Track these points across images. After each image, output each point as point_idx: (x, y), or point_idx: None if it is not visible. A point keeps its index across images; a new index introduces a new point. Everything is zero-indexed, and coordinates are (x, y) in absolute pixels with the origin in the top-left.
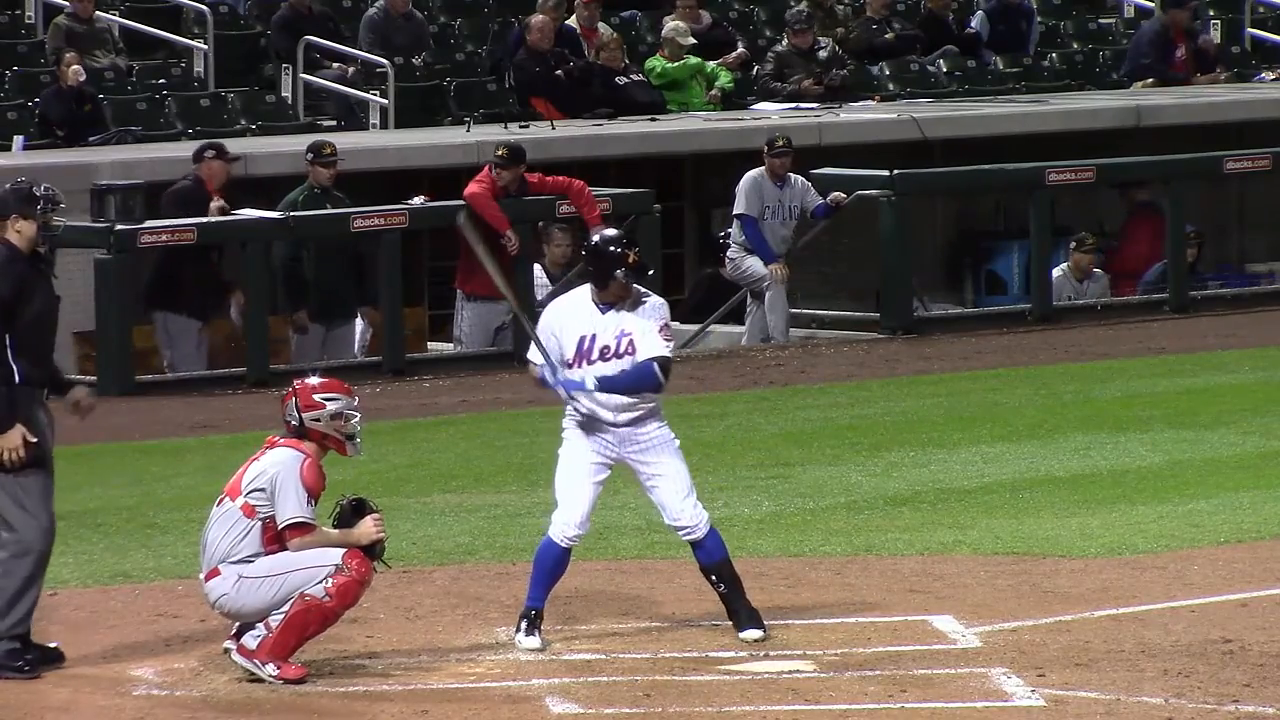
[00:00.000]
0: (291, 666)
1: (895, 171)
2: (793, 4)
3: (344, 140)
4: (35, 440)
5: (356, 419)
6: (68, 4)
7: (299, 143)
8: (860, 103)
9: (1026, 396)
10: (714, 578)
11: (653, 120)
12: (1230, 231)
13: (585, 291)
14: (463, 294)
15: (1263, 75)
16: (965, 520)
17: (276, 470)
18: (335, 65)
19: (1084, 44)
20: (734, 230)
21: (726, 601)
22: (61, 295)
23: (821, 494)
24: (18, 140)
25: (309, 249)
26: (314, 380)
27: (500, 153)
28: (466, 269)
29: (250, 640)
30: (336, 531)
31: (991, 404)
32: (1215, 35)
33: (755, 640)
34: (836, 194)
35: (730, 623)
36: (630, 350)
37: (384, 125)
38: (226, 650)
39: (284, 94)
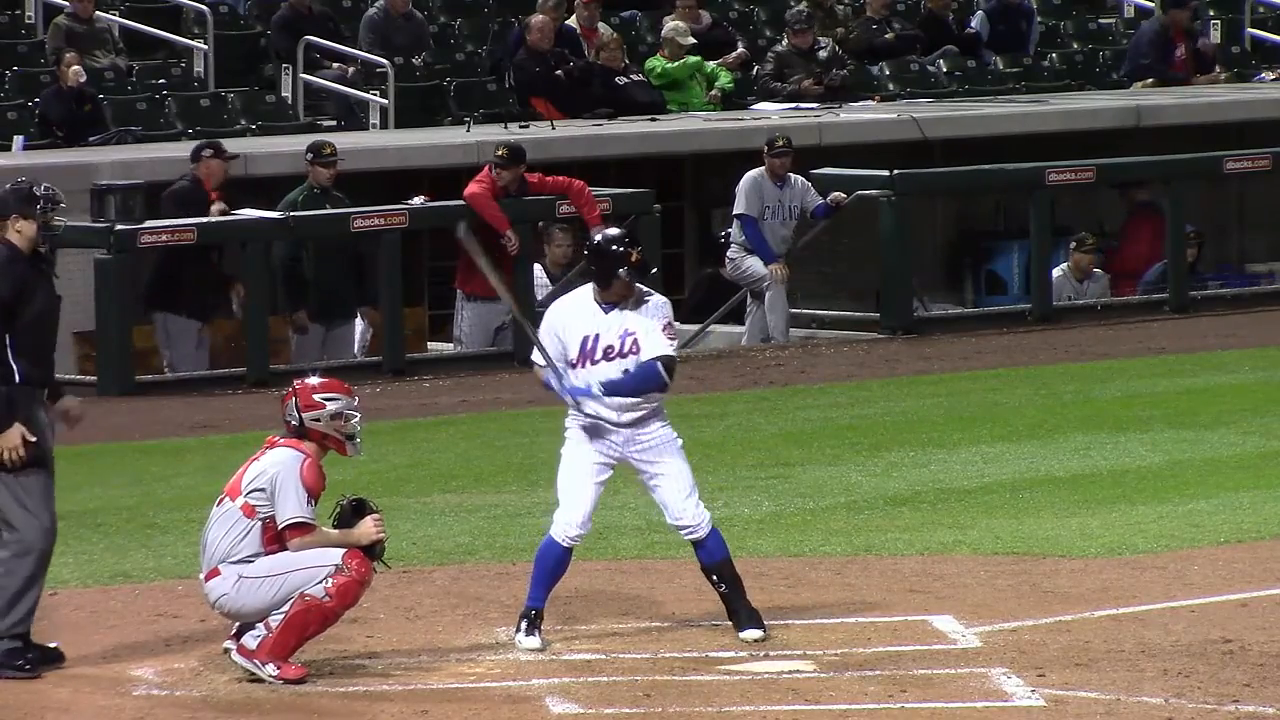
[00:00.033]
0: (291, 666)
1: (895, 171)
2: (793, 4)
3: (344, 140)
4: (34, 440)
5: (356, 419)
6: (68, 4)
7: (299, 143)
8: (860, 103)
9: (1026, 396)
10: (715, 578)
11: (653, 120)
12: (1230, 231)
13: (587, 291)
14: (463, 294)
15: (1263, 75)
16: (965, 520)
17: (276, 470)
18: (335, 65)
19: (1084, 44)
20: (734, 230)
21: (727, 601)
22: (62, 295)
23: (821, 494)
24: (18, 140)
25: (309, 249)
26: (314, 380)
27: (500, 153)
28: (466, 269)
29: (250, 640)
30: (336, 531)
31: (991, 404)
32: (1215, 35)
33: (755, 640)
34: (836, 194)
35: (730, 623)
36: (634, 349)
37: (384, 125)
38: (226, 650)
39: (284, 94)
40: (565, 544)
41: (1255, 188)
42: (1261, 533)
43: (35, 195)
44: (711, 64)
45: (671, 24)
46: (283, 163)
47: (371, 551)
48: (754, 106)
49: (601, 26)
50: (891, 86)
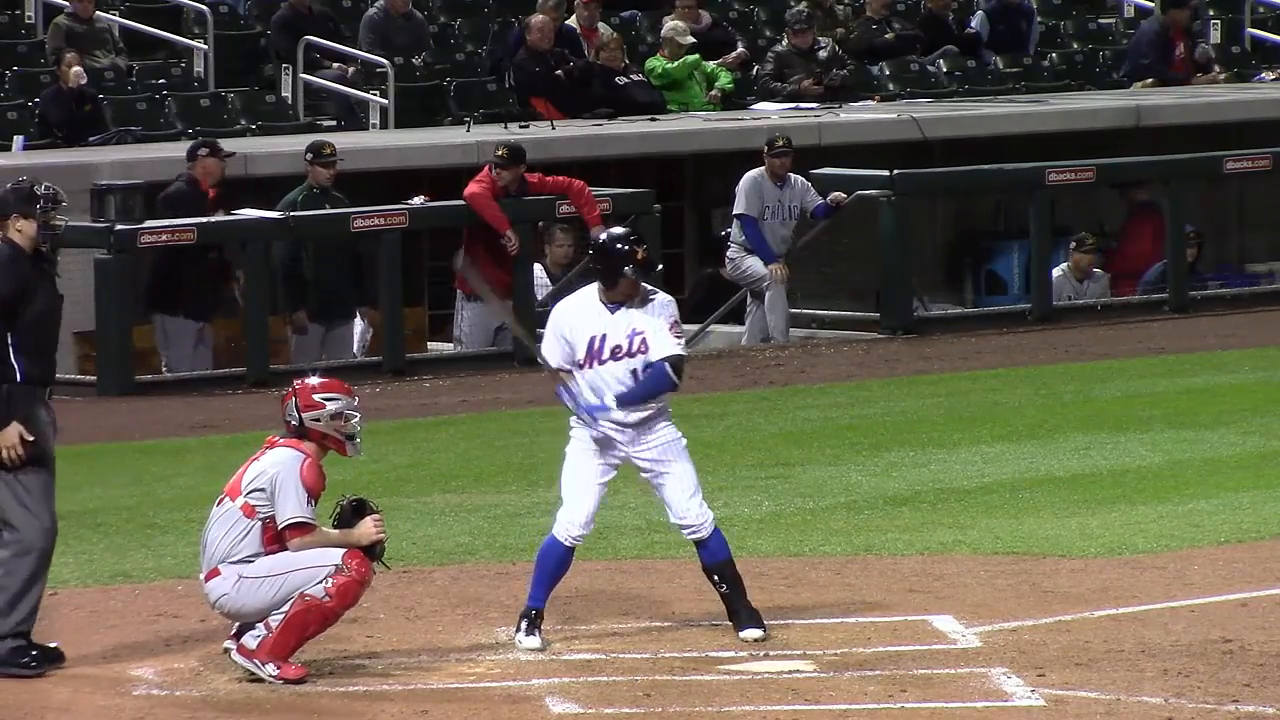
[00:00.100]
0: (291, 666)
1: (895, 171)
2: (793, 4)
3: (344, 140)
4: (32, 439)
5: (356, 419)
6: (68, 4)
7: (299, 143)
8: (860, 103)
9: (1026, 396)
10: (716, 578)
11: (653, 120)
12: (1230, 231)
13: (592, 291)
14: (463, 294)
15: (1263, 75)
16: (965, 520)
17: (276, 470)
18: (335, 65)
19: (1084, 44)
20: (734, 230)
21: (728, 601)
22: (63, 295)
23: (821, 494)
24: (18, 140)
25: (308, 249)
26: (314, 380)
27: (500, 153)
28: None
29: (250, 640)
30: (336, 531)
31: (991, 404)
32: (1215, 35)
33: (755, 640)
34: (836, 194)
35: (730, 623)
36: (643, 349)
37: (384, 125)
38: (226, 650)
39: (284, 94)
40: (568, 544)
41: (1255, 188)
42: (1261, 533)
43: (36, 194)
44: (711, 64)
45: (671, 24)
46: (283, 163)
47: (371, 551)
48: (754, 106)
49: (601, 26)
50: (891, 86)
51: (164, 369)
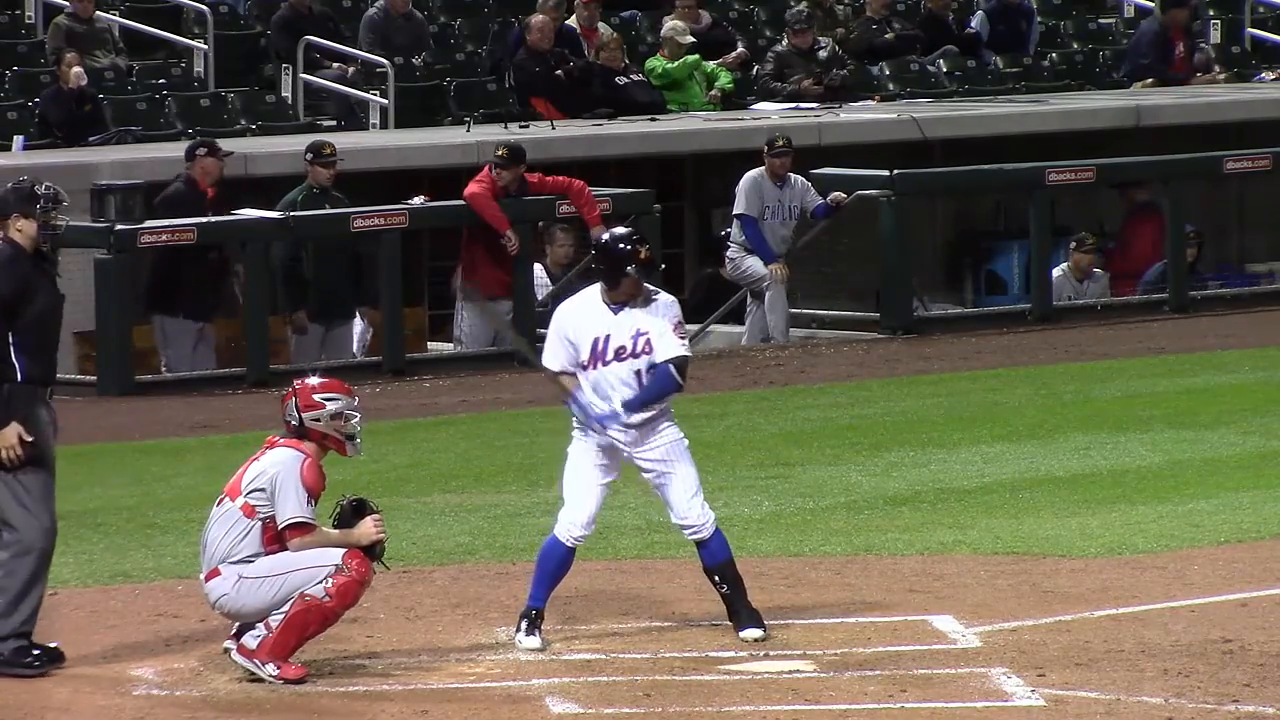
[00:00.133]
0: (291, 666)
1: (895, 171)
2: (793, 4)
3: (344, 140)
4: (31, 440)
5: (356, 419)
6: (68, 4)
7: (299, 143)
8: (860, 103)
9: (1026, 396)
10: (717, 578)
11: (653, 120)
12: (1230, 231)
13: (594, 292)
14: (463, 294)
15: (1263, 75)
16: (965, 520)
17: (276, 470)
18: (335, 65)
19: (1084, 44)
20: (734, 230)
21: (728, 602)
22: (64, 294)
23: (821, 494)
24: (18, 140)
25: (308, 249)
26: (314, 380)
27: (500, 153)
28: (467, 269)
29: (250, 640)
30: (336, 531)
31: (991, 404)
32: (1215, 35)
33: (755, 640)
34: (836, 194)
35: (730, 623)
36: (647, 349)
37: (384, 125)
38: (226, 650)
39: (284, 94)
40: (569, 544)
41: (1255, 188)
42: (1261, 533)
43: (36, 194)
44: (711, 64)
45: (671, 23)
46: (283, 163)
47: (371, 551)
48: (754, 106)
49: (601, 26)
50: (891, 86)
51: (163, 369)
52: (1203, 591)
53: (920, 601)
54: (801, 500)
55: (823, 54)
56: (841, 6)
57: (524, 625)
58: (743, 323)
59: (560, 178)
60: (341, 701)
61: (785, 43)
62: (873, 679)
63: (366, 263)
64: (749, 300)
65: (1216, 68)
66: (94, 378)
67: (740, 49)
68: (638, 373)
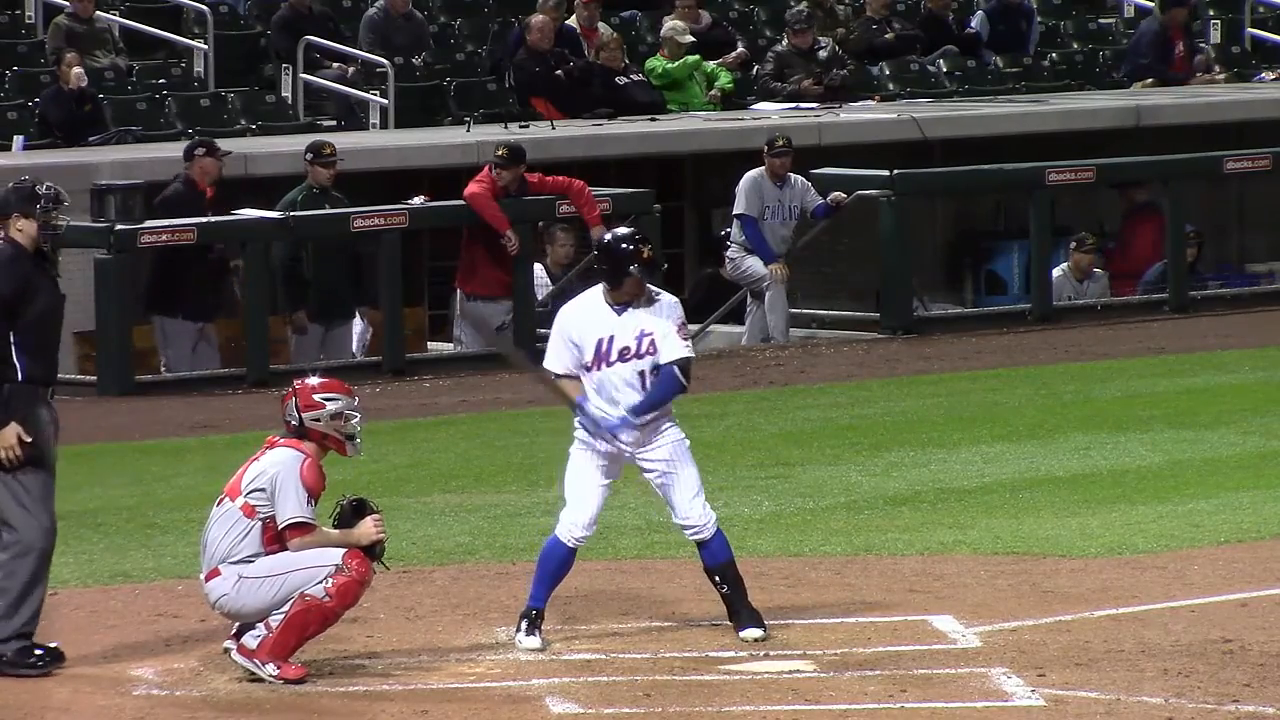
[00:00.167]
0: (291, 666)
1: (895, 171)
2: (793, 4)
3: (344, 140)
4: (30, 441)
5: (356, 419)
6: (68, 4)
7: (299, 143)
8: (860, 103)
9: (1026, 396)
10: (718, 579)
11: (653, 120)
12: (1230, 231)
13: (597, 293)
14: (463, 294)
15: (1263, 75)
16: (965, 520)
17: (276, 470)
18: (335, 65)
19: (1084, 44)
20: (734, 230)
21: (728, 602)
22: (65, 294)
23: (821, 494)
24: (18, 140)
25: (308, 249)
26: (314, 380)
27: (500, 153)
28: (467, 269)
29: (250, 640)
30: (336, 531)
31: (991, 404)
32: (1215, 35)
33: (755, 640)
34: (836, 194)
35: (730, 623)
36: (651, 350)
37: (384, 125)
38: (226, 650)
39: (284, 94)
40: (570, 544)
41: (1255, 188)
42: (1261, 533)
43: (37, 194)
44: (711, 64)
45: (670, 23)
46: (283, 163)
47: (371, 551)
48: (754, 106)
49: (601, 26)
50: (891, 86)
51: (163, 369)
52: (1203, 591)
53: (920, 601)
54: (801, 500)
55: (823, 54)
56: (842, 6)
57: (524, 625)
58: (743, 323)
59: (560, 178)
60: (341, 701)
61: (785, 43)
62: (873, 679)
63: (366, 263)
64: (749, 300)
65: (1216, 67)
66: (94, 378)
67: (740, 49)
68: (641, 373)
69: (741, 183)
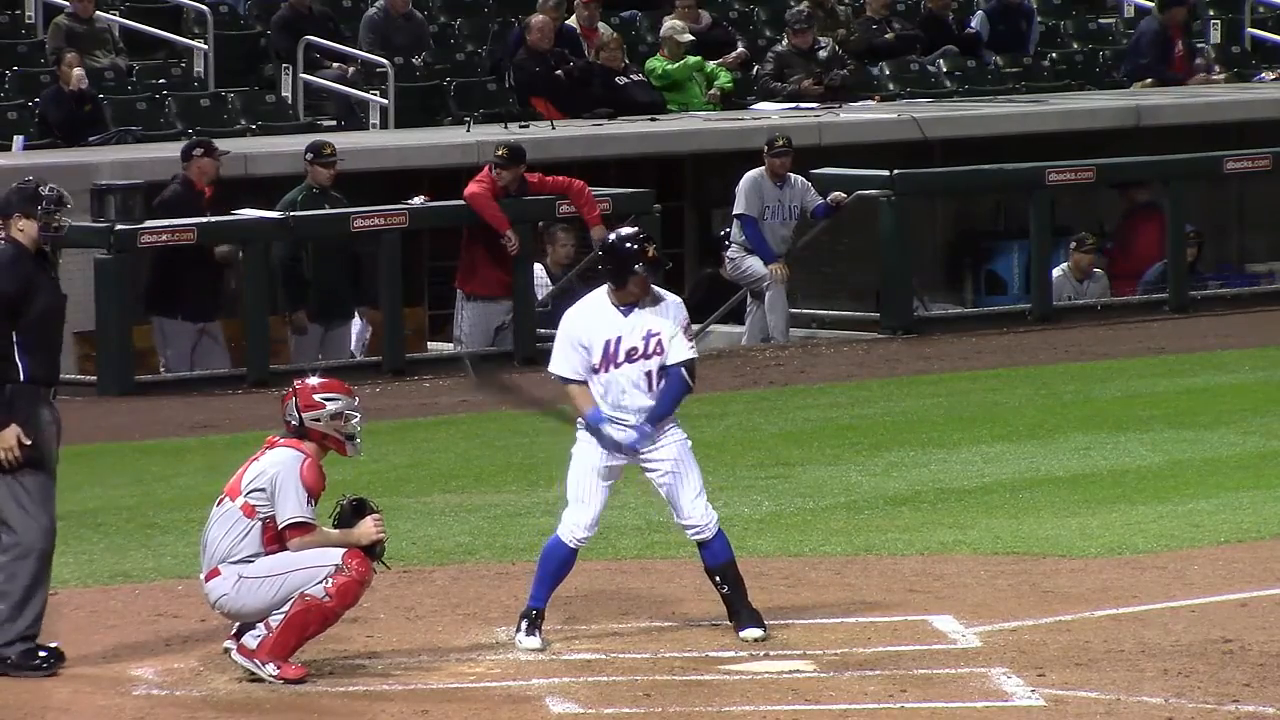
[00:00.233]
0: (291, 666)
1: (895, 171)
2: (793, 4)
3: (344, 140)
4: (29, 443)
5: (357, 419)
6: (68, 4)
7: (299, 143)
8: (860, 103)
9: (1026, 396)
10: (718, 579)
11: (653, 120)
12: (1230, 231)
13: (601, 295)
14: (463, 294)
15: (1263, 75)
16: (965, 520)
17: (276, 470)
18: (335, 65)
19: (1084, 44)
20: (734, 230)
21: (728, 602)
22: (67, 294)
23: (821, 494)
24: (18, 140)
25: (308, 249)
26: (314, 380)
27: (500, 153)
28: (467, 269)
29: (250, 640)
30: (336, 531)
31: (991, 404)
32: (1215, 35)
33: (755, 640)
34: (836, 194)
35: (730, 623)
36: (659, 351)
37: (384, 125)
38: (226, 650)
39: (284, 94)
40: (572, 545)
41: (1255, 188)
42: (1261, 533)
43: (39, 195)
44: (711, 64)
45: (670, 22)
46: (283, 163)
47: (371, 551)
48: (754, 106)
49: (601, 26)
50: (891, 86)
51: (162, 370)
52: (1203, 591)
53: (920, 601)
54: (801, 500)
55: (823, 54)
56: (842, 6)
57: (524, 625)
58: (743, 323)
59: (560, 178)
60: (341, 701)
61: (785, 43)
62: (873, 679)
63: (366, 263)
64: (749, 300)
65: (1216, 67)
66: (94, 378)
67: (740, 49)
68: (648, 374)
69: (741, 183)
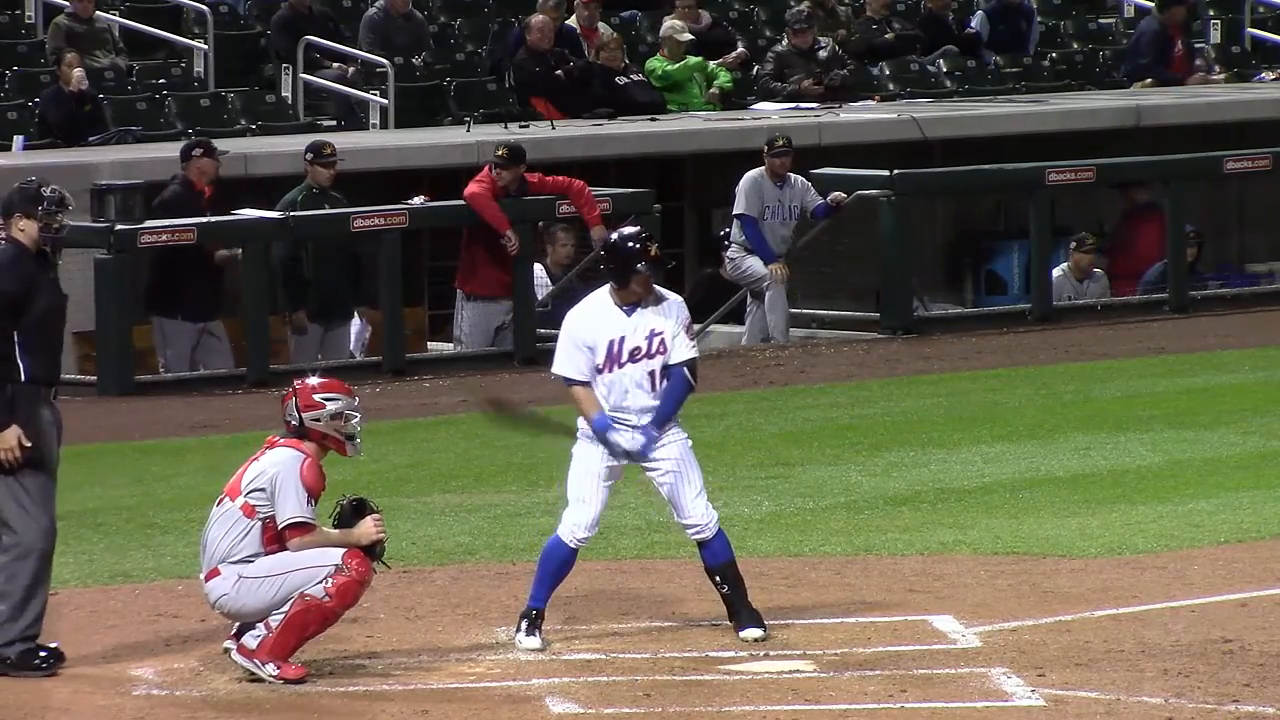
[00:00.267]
0: (291, 666)
1: (895, 171)
2: (793, 4)
3: (344, 140)
4: (30, 444)
5: (357, 419)
6: (68, 4)
7: (299, 143)
8: (860, 103)
9: (1026, 396)
10: (718, 579)
11: (653, 120)
12: (1230, 231)
13: (604, 295)
14: (463, 294)
15: (1263, 75)
16: (965, 520)
17: (276, 470)
18: (335, 65)
19: (1084, 44)
20: (734, 230)
21: (728, 602)
22: (68, 294)
23: (821, 494)
24: (18, 140)
25: (308, 249)
26: (314, 380)
27: (500, 153)
28: (467, 269)
29: (250, 640)
30: (336, 531)
31: (991, 404)
32: (1215, 35)
33: (755, 640)
34: (836, 194)
35: (730, 623)
36: (662, 350)
37: (384, 125)
38: (226, 650)
39: (284, 94)
40: (573, 545)
41: (1255, 188)
42: (1261, 533)
43: (41, 195)
44: (711, 64)
45: (670, 22)
46: (283, 163)
47: (371, 551)
48: (754, 106)
49: (601, 26)
50: (891, 86)
51: (161, 369)
52: (1203, 591)
53: (920, 601)
54: (801, 500)
55: (823, 54)
56: (842, 7)
57: (524, 625)
58: (743, 323)
59: (560, 178)
60: (341, 701)
61: (785, 43)
62: (873, 679)
63: (366, 263)
64: (749, 300)
65: (1216, 67)
66: (94, 378)
67: (740, 49)
68: (652, 373)
69: (741, 183)
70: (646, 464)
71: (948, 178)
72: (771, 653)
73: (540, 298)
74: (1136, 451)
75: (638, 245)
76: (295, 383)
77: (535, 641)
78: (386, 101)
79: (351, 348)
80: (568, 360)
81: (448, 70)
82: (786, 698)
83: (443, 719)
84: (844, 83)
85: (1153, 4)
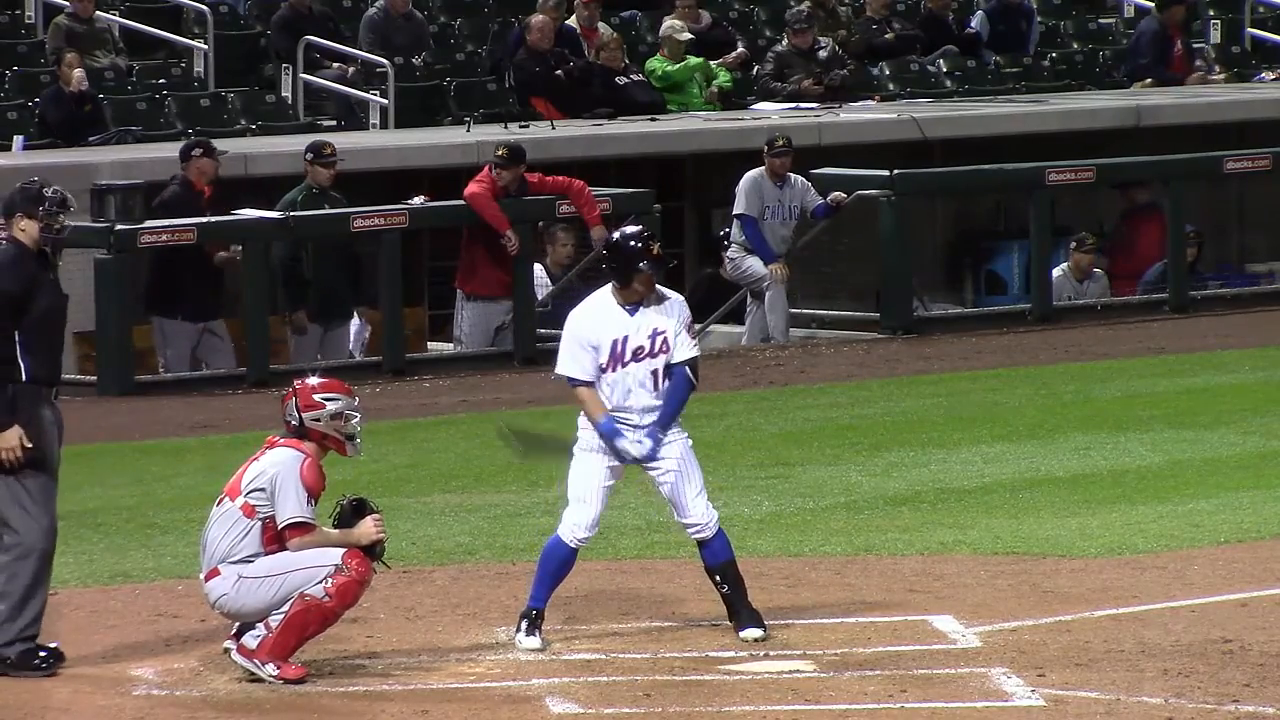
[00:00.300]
0: (291, 666)
1: (895, 171)
2: (793, 4)
3: (344, 140)
4: (31, 444)
5: (357, 419)
6: (68, 4)
7: (299, 143)
8: (860, 103)
9: (1026, 396)
10: (719, 578)
11: (653, 120)
12: (1230, 231)
13: (606, 294)
14: (463, 294)
15: (1263, 75)
16: (965, 520)
17: (276, 470)
18: (335, 65)
19: (1084, 44)
20: (734, 230)
21: (728, 602)
22: (68, 294)
23: (821, 494)
24: (18, 140)
25: (308, 249)
26: (314, 380)
27: (500, 153)
28: (467, 269)
29: (250, 640)
30: (336, 531)
31: (991, 404)
32: (1215, 35)
33: (755, 640)
34: (836, 194)
35: (730, 623)
36: (664, 349)
37: (384, 125)
38: (226, 650)
39: (284, 94)
40: (573, 545)
41: (1255, 188)
42: (1261, 533)
43: (43, 196)
44: (712, 64)
45: (670, 22)
46: (283, 163)
47: (371, 551)
48: (754, 106)
49: (601, 26)
50: (891, 86)
51: (161, 369)
52: (1203, 591)
53: (920, 601)
54: (801, 500)
55: (823, 54)
56: (842, 7)
57: (524, 625)
58: (743, 323)
59: (560, 178)
60: (341, 701)
61: (785, 43)
62: (873, 679)
63: (366, 263)
64: (749, 300)
65: (1216, 67)
66: (94, 378)
67: (740, 49)
68: (654, 372)
69: (741, 183)
70: (649, 466)
71: (948, 178)
72: (771, 653)
73: (540, 298)
74: (1136, 451)
75: (640, 244)
76: (295, 383)
77: (535, 641)
78: (386, 101)
79: (351, 348)
80: (572, 360)
81: (448, 70)
82: (786, 698)
83: (443, 719)
84: (844, 83)
85: (1153, 4)
